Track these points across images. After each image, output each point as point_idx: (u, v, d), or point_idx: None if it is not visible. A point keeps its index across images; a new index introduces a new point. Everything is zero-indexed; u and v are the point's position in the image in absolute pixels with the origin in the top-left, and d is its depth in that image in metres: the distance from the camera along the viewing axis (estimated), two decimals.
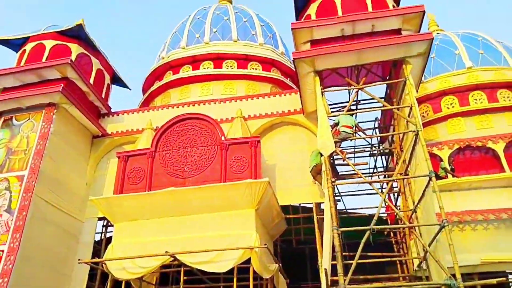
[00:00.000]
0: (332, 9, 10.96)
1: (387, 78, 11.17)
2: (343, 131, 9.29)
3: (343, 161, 10.08)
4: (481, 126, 11.67)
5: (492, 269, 9.82)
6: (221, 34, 16.02)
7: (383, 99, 11.07)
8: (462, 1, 50.99)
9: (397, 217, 11.47)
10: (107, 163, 13.11)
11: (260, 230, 9.81)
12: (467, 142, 11.38)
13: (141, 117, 13.37)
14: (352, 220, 10.74)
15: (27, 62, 12.79)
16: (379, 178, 12.58)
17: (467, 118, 11.97)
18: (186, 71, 15.36)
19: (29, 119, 11.98)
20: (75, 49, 13.11)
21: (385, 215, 12.01)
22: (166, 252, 9.10)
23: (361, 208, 12.52)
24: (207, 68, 15.18)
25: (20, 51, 13.48)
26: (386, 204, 9.59)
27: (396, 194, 11.42)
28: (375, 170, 13.26)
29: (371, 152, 12.82)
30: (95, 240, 12.36)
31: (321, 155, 9.70)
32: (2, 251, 9.77)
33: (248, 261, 9.08)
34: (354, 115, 10.69)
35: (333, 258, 7.89)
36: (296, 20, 11.82)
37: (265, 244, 9.18)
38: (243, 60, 15.34)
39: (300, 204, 12.69)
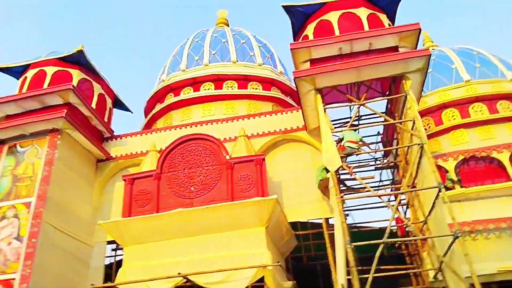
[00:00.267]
0: (329, 29, 11.27)
1: (387, 93, 11.39)
2: (348, 146, 9.44)
3: (350, 175, 10.16)
4: (484, 136, 11.92)
5: (510, 277, 9.86)
6: (220, 56, 16.26)
7: (384, 114, 11.25)
8: (452, 17, 52.22)
9: (407, 229, 11.60)
10: (112, 186, 13.12)
11: (271, 248, 9.83)
12: (471, 153, 11.59)
13: (144, 139, 13.45)
14: (362, 234, 10.79)
15: (29, 89, 12.84)
16: (385, 191, 12.69)
17: (470, 130, 12.22)
18: (187, 93, 15.52)
19: (33, 145, 11.98)
20: (76, 74, 13.20)
21: (395, 228, 12.06)
22: (179, 273, 9.07)
23: (370, 222, 12.56)
24: (208, 89, 15.35)
25: (22, 78, 13.54)
26: (397, 216, 9.64)
27: (404, 206, 11.49)
28: (380, 184, 13.38)
29: (376, 166, 12.94)
30: (105, 264, 12.25)
31: (327, 170, 9.83)
32: (14, 279, 9.67)
33: (261, 280, 9.07)
34: (357, 130, 10.83)
35: (347, 273, 7.92)
36: (294, 40, 12.12)
37: (278, 262, 9.18)
38: (243, 80, 15.55)
39: (308, 220, 12.70)
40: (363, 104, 10.25)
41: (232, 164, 10.67)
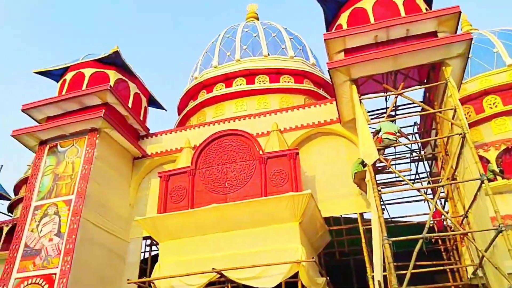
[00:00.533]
0: (364, 17, 10.90)
1: (425, 81, 10.94)
2: (386, 138, 9.13)
3: (388, 168, 9.84)
4: None
5: None
6: (252, 51, 16.22)
7: (422, 103, 10.82)
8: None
9: (445, 223, 11.14)
10: (148, 183, 13.39)
11: (305, 243, 9.69)
12: None
13: (179, 136, 13.60)
14: (398, 229, 10.47)
15: (68, 91, 13.26)
16: (422, 184, 12.23)
17: None
18: (220, 89, 15.58)
19: (73, 145, 12.39)
20: (113, 75, 13.51)
21: (432, 222, 11.61)
22: (213, 269, 9.11)
23: (406, 216, 12.16)
24: (240, 84, 15.35)
25: (61, 81, 14.00)
26: (435, 210, 9.26)
27: (443, 200, 11.04)
28: (417, 176, 12.93)
29: (413, 158, 12.50)
30: (140, 260, 12.52)
31: (363, 163, 9.58)
32: (55, 274, 10.06)
33: (294, 275, 8.98)
34: (394, 121, 10.48)
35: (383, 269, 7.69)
36: (327, 31, 11.82)
37: (313, 258, 9.03)
38: (275, 74, 15.45)
39: (342, 215, 12.46)
40: (400, 94, 9.88)
41: (266, 159, 10.59)
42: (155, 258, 11.71)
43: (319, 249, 11.67)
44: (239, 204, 9.92)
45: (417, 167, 12.79)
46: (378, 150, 8.93)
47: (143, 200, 13.11)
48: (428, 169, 12.63)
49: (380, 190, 8.54)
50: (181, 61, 58.19)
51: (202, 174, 10.98)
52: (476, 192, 8.05)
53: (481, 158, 10.93)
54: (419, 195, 12.35)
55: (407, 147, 12.60)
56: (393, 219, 12.45)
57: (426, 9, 10.86)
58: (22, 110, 12.99)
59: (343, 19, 11.29)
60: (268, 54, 16.06)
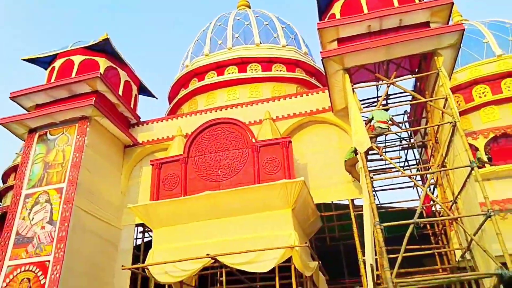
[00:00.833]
0: (357, 6, 10.94)
1: (416, 70, 11.07)
2: (378, 126, 9.26)
3: (380, 156, 10.00)
4: None
5: None
6: (244, 39, 16.18)
7: (413, 92, 10.97)
8: None
9: (433, 209, 11.40)
10: (139, 171, 13.38)
11: (297, 229, 9.82)
12: (502, 130, 11.23)
13: (170, 124, 13.58)
14: (388, 215, 10.66)
15: (57, 78, 13.06)
16: (411, 171, 12.46)
17: (501, 106, 11.83)
18: (211, 77, 15.54)
19: (63, 133, 12.28)
20: (103, 62, 13.35)
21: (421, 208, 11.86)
22: (207, 254, 9.19)
23: (396, 202, 12.40)
24: (232, 73, 15.33)
25: (50, 68, 13.79)
26: (426, 197, 9.45)
27: (432, 186, 11.26)
28: (406, 164, 13.15)
29: (403, 146, 12.71)
30: (133, 246, 12.55)
31: (355, 151, 9.71)
32: (48, 261, 10.05)
33: (288, 260, 9.13)
34: (388, 110, 10.60)
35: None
36: (320, 20, 11.84)
37: (306, 243, 9.18)
38: (267, 62, 15.45)
39: (332, 201, 12.65)
40: (393, 83, 10.00)
41: (258, 147, 10.65)
42: (148, 245, 11.77)
43: (311, 235, 11.86)
44: (232, 192, 9.98)
45: (406, 155, 13.01)
46: (371, 138, 9.06)
47: (135, 188, 13.11)
48: (417, 157, 12.86)
49: (372, 177, 8.66)
50: (171, 49, 57.58)
51: (195, 162, 10.99)
52: (466, 179, 8.26)
53: (470, 146, 11.09)
54: (409, 182, 12.62)
55: (397, 135, 12.80)
56: (383, 205, 12.68)
57: (419, 0, 10.96)
58: (11, 98, 12.80)
59: (336, 8, 11.33)
60: (260, 43, 16.03)
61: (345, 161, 10.77)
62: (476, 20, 14.48)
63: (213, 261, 9.45)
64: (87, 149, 11.74)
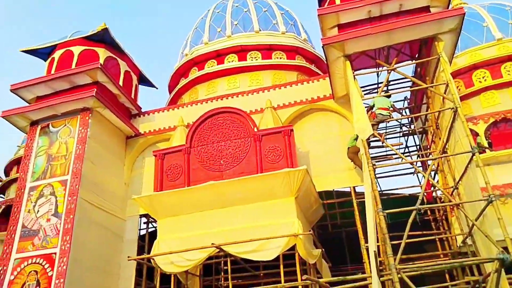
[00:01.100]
0: None
1: (416, 56, 11.04)
2: (380, 113, 9.28)
3: (382, 143, 10.04)
4: None
5: None
6: (243, 26, 16.08)
7: (414, 78, 10.95)
8: None
9: (434, 195, 11.50)
10: (142, 162, 13.44)
11: (300, 217, 9.90)
12: (502, 115, 11.27)
13: (171, 114, 13.59)
14: (390, 201, 10.75)
15: (57, 70, 13.03)
16: (412, 158, 12.53)
17: (501, 91, 11.83)
18: (211, 66, 15.51)
19: (65, 125, 12.30)
20: (102, 53, 13.30)
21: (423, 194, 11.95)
22: (212, 243, 9.31)
23: (398, 189, 12.50)
24: (232, 61, 15.28)
25: (49, 60, 13.72)
26: (427, 183, 9.53)
27: (433, 172, 11.34)
28: (406, 150, 13.21)
29: (403, 132, 12.74)
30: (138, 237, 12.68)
31: (357, 139, 9.75)
32: (55, 253, 10.18)
33: (291, 248, 9.24)
34: (388, 96, 10.61)
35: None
36: (319, 6, 11.70)
37: (310, 230, 9.28)
38: (267, 50, 15.41)
39: (334, 189, 12.74)
40: (394, 69, 9.98)
41: (260, 136, 10.68)
42: (152, 235, 11.90)
43: (313, 223, 11.96)
44: (235, 181, 10.02)
45: (406, 141, 13.06)
46: (372, 125, 9.08)
47: (138, 179, 13.18)
48: (418, 143, 12.91)
49: (374, 164, 8.71)
50: (169, 37, 57.16)
51: (197, 152, 11.03)
52: (467, 164, 8.31)
53: (470, 131, 11.17)
54: (410, 168, 12.73)
55: (398, 121, 12.83)
56: (384, 192, 12.78)
57: None
58: (11, 90, 12.78)
59: None
60: (260, 30, 15.95)
61: (348, 148, 10.79)
62: (476, 3, 14.40)
63: (218, 250, 9.57)
64: (89, 140, 11.77)
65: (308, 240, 9.78)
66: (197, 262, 9.79)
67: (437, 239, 10.95)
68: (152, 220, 13.19)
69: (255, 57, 15.28)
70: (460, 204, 8.77)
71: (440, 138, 10.01)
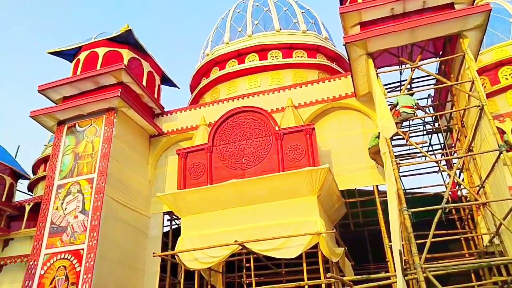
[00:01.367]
0: None
1: (440, 53, 10.91)
2: (404, 111, 9.20)
3: (406, 141, 9.96)
4: None
5: None
6: (263, 26, 16.13)
7: (438, 76, 10.81)
8: None
9: (459, 194, 11.32)
10: (165, 160, 13.67)
11: (323, 215, 9.91)
12: None
13: (194, 114, 13.76)
14: (413, 200, 10.64)
15: (83, 71, 13.36)
16: (436, 156, 12.37)
17: None
18: (232, 66, 15.63)
19: (91, 124, 12.60)
20: (126, 54, 13.58)
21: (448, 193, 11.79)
22: (235, 241, 9.40)
23: (419, 188, 12.38)
24: (253, 60, 15.36)
25: (75, 61, 14.07)
26: (452, 181, 9.41)
27: (458, 171, 11.18)
28: (430, 148, 13.04)
29: (427, 131, 12.59)
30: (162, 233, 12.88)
31: (378, 137, 9.70)
32: (82, 249, 10.46)
33: (314, 247, 9.27)
34: (412, 95, 10.51)
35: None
36: (341, 4, 11.67)
37: (333, 229, 9.28)
38: (288, 49, 15.43)
39: (356, 188, 12.69)
40: (418, 67, 9.88)
41: (282, 134, 10.73)
42: (175, 232, 12.09)
43: (336, 221, 11.96)
44: (257, 179, 10.09)
45: (430, 139, 12.90)
46: (396, 123, 9.02)
47: (161, 177, 13.42)
48: (442, 141, 12.73)
49: (398, 163, 8.66)
50: (190, 38, 57.63)
51: (220, 150, 11.15)
52: (494, 163, 8.18)
53: (496, 129, 10.99)
54: (434, 167, 12.55)
55: (421, 119, 12.68)
56: (407, 190, 12.65)
57: None
58: (39, 91, 13.16)
59: None
60: (280, 29, 15.98)
61: (369, 148, 10.73)
62: None
63: (241, 247, 9.66)
64: (115, 140, 12.04)
65: (331, 238, 9.78)
66: (220, 259, 9.92)
67: (462, 238, 10.80)
68: (176, 217, 13.40)
69: (275, 56, 15.32)
70: (487, 203, 8.63)
71: (465, 136, 9.87)
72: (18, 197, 16.51)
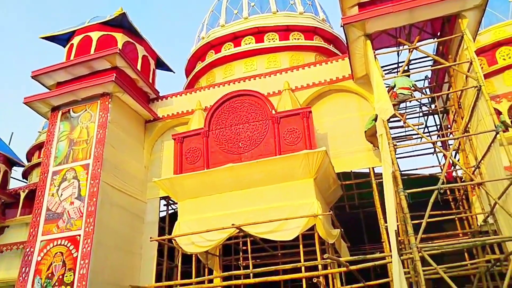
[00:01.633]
0: None
1: (438, 34, 10.77)
2: (401, 93, 9.13)
3: (403, 123, 9.91)
4: None
5: None
6: (260, 7, 15.89)
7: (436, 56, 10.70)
8: None
9: (454, 174, 11.35)
10: (161, 145, 13.59)
11: (319, 198, 9.94)
12: None
13: (189, 98, 13.63)
14: (409, 181, 10.64)
15: (76, 55, 13.17)
16: (432, 138, 12.34)
17: None
18: (228, 49, 15.44)
19: (86, 110, 12.47)
20: (120, 38, 13.38)
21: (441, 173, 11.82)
22: (232, 224, 9.42)
23: (415, 169, 12.42)
24: (249, 43, 15.18)
25: (68, 46, 13.86)
26: (448, 162, 9.42)
27: (454, 151, 11.17)
28: (425, 130, 13.02)
29: (423, 112, 12.54)
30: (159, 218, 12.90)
31: (375, 119, 9.64)
32: (79, 235, 10.45)
33: (311, 229, 9.31)
34: (409, 76, 10.42)
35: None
36: None
37: (330, 211, 9.30)
38: (285, 31, 15.24)
39: (352, 170, 12.67)
40: (416, 48, 9.76)
41: (279, 118, 10.68)
42: (172, 217, 12.10)
43: (332, 203, 11.98)
44: (254, 163, 10.09)
45: (426, 121, 12.87)
46: (393, 105, 8.95)
47: (157, 162, 13.36)
48: (438, 123, 12.69)
49: (395, 144, 8.63)
50: (186, 21, 56.89)
51: (216, 135, 11.10)
52: (491, 143, 8.16)
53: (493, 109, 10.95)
54: (429, 148, 12.57)
55: (418, 101, 12.62)
56: (403, 172, 12.65)
57: None
58: (32, 77, 12.99)
59: None
60: (277, 11, 15.74)
61: (365, 131, 10.69)
62: None
63: (238, 231, 9.69)
64: (110, 125, 11.93)
65: (327, 220, 9.82)
66: (217, 242, 9.95)
67: (456, 218, 10.87)
68: (172, 202, 13.40)
69: (272, 39, 15.13)
70: (483, 183, 8.64)
71: (462, 118, 9.81)
72: (13, 184, 16.50)
